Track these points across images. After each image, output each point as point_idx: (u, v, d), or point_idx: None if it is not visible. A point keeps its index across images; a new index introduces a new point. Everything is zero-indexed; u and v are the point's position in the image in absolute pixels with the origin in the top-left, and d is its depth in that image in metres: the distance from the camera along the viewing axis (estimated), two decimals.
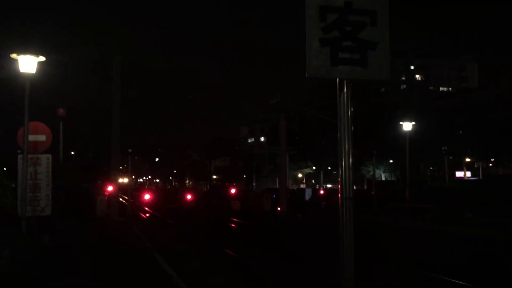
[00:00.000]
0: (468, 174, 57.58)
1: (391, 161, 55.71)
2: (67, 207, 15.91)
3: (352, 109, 3.13)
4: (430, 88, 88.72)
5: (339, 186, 3.16)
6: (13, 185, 11.10)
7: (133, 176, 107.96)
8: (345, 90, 3.26)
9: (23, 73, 10.28)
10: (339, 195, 3.16)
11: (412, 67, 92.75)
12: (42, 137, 11.51)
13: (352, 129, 3.11)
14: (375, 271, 10.92)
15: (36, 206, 10.93)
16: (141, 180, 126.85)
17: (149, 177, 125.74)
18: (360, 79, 3.24)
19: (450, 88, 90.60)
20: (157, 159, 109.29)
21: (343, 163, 3.20)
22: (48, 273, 9.48)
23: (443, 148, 52.65)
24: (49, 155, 11.58)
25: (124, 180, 53.21)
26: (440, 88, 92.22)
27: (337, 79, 3.30)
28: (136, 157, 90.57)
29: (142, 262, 11.64)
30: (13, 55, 10.25)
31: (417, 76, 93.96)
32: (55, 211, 12.70)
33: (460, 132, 51.53)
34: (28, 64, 10.30)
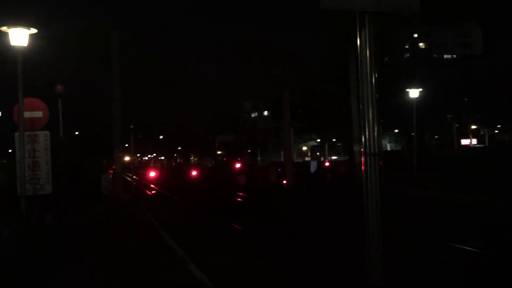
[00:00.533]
0: (474, 141, 57.13)
1: (396, 130, 55.25)
2: (70, 185, 15.64)
3: (374, 52, 2.59)
4: (434, 55, 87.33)
5: (363, 141, 2.70)
6: (4, 161, 10.78)
7: (138, 154, 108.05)
8: (366, 26, 2.61)
9: (14, 47, 9.89)
10: (362, 151, 2.72)
11: (415, 35, 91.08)
12: (39, 114, 11.13)
13: (376, 76, 2.57)
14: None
15: (36, 184, 10.63)
16: (146, 158, 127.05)
17: (154, 154, 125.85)
18: (384, 11, 2.63)
19: (454, 55, 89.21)
20: (161, 137, 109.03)
21: (365, 113, 2.70)
22: (51, 255, 9.23)
23: (448, 116, 52.05)
24: (47, 132, 11.23)
25: (128, 158, 53.13)
26: (444, 55, 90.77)
27: (357, 13, 2.64)
28: (140, 135, 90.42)
29: (148, 239, 11.41)
30: (3, 28, 9.82)
31: (421, 44, 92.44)
32: (57, 190, 12.42)
33: (466, 99, 50.77)
34: (19, 37, 9.89)
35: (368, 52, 2.60)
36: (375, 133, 2.69)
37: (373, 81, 2.62)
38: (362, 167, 2.79)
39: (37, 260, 8.58)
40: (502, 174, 22.43)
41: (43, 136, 11.08)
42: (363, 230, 2.95)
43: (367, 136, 2.70)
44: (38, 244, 9.61)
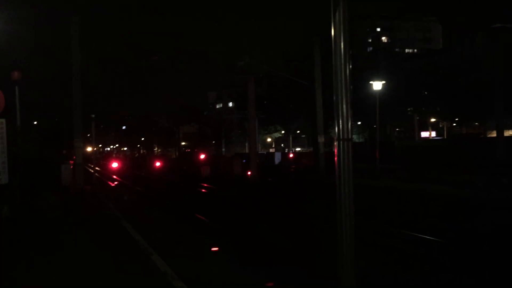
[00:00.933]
0: (433, 134, 58.75)
1: (359, 123, 56.10)
2: (28, 176, 15.13)
3: (348, 36, 2.50)
4: (396, 50, 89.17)
5: (336, 127, 2.63)
6: None
7: (100, 145, 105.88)
8: (341, 5, 2.50)
9: None
10: (335, 138, 2.65)
11: (378, 29, 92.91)
12: None
13: (350, 67, 2.49)
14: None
15: None
16: (109, 148, 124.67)
17: (117, 145, 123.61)
18: None
19: (415, 50, 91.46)
20: (124, 127, 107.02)
21: (339, 97, 2.61)
22: (7, 248, 8.89)
23: (409, 109, 53.25)
24: (3, 120, 10.71)
25: (89, 148, 52.01)
26: (406, 50, 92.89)
27: None
28: (102, 126, 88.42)
29: (109, 231, 11.15)
30: None
31: (383, 38, 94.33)
32: (14, 180, 11.96)
33: (426, 93, 52.01)
34: None
35: (341, 34, 2.52)
36: (349, 119, 2.65)
37: (348, 64, 2.55)
38: (335, 153, 2.74)
39: None
40: (458, 165, 23.21)
41: None
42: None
43: (340, 121, 2.66)
44: None
